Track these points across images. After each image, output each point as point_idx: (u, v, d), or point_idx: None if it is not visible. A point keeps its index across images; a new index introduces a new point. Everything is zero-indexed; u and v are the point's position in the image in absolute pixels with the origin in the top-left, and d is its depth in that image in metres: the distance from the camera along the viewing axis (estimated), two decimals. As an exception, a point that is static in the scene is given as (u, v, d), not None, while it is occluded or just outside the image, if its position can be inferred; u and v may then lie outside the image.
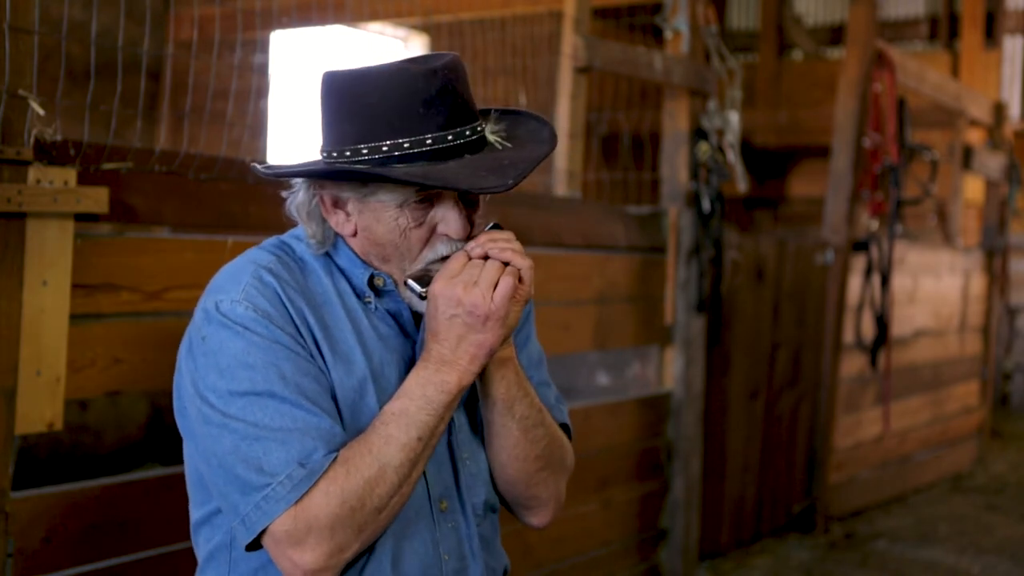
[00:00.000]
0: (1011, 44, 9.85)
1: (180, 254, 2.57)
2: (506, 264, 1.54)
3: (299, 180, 1.64)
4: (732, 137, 4.49)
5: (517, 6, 5.79)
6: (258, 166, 1.66)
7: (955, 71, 8.71)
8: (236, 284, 1.56)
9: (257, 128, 4.91)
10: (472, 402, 1.71)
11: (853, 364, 5.77)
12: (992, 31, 9.08)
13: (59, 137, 2.30)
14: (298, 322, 1.56)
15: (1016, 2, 9.87)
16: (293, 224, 1.68)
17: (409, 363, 1.63)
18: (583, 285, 3.98)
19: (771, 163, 9.53)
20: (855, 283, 5.68)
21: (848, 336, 5.66)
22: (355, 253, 1.64)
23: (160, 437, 3.84)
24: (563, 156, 4.04)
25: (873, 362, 5.82)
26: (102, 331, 2.42)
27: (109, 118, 2.52)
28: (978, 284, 7.36)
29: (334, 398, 1.56)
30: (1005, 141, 7.54)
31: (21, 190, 2.20)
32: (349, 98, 1.55)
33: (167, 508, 2.48)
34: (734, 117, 4.50)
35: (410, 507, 1.59)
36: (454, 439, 1.68)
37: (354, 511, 1.48)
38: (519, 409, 1.65)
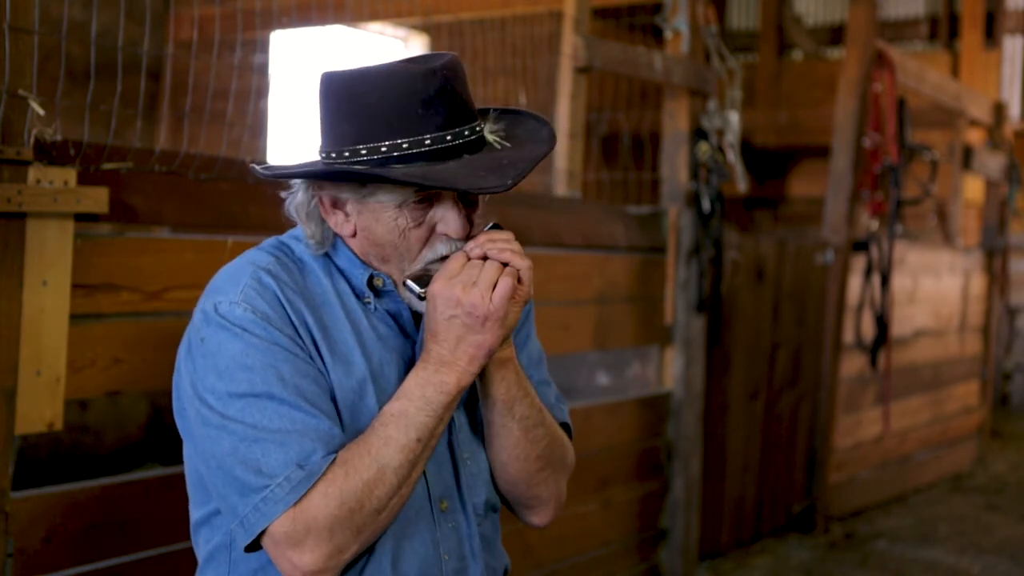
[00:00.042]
0: (1011, 44, 9.85)
1: (180, 254, 2.57)
2: (505, 264, 1.54)
3: (298, 181, 1.64)
4: (732, 137, 4.49)
5: (517, 6, 5.79)
6: (257, 167, 1.66)
7: (955, 71, 8.71)
8: (235, 286, 1.56)
9: (257, 128, 4.91)
10: (472, 402, 1.71)
11: (853, 364, 5.77)
12: (992, 31, 9.08)
13: (59, 137, 2.30)
14: (297, 323, 1.56)
15: (1016, 2, 9.86)
16: (293, 224, 1.68)
17: (409, 364, 1.63)
18: (583, 285, 3.98)
19: (771, 163, 9.53)
20: (855, 283, 5.68)
21: (848, 336, 5.66)
22: (354, 253, 1.64)
23: (160, 437, 3.84)
24: (563, 156, 4.04)
25: (873, 362, 5.82)
26: (102, 331, 2.42)
27: (109, 118, 2.52)
28: (978, 284, 7.36)
29: (333, 399, 1.56)
30: (1005, 141, 7.54)
31: (21, 190, 2.21)
32: (347, 98, 1.55)
33: (167, 508, 2.48)
34: (734, 117, 4.50)
35: (410, 507, 1.59)
36: (454, 439, 1.68)
37: (353, 512, 1.48)
38: (519, 409, 1.65)
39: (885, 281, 5.70)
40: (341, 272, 1.65)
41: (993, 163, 7.30)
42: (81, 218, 2.35)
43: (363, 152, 1.54)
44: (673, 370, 4.44)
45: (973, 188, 8.13)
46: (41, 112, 2.24)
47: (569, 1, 3.98)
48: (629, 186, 4.93)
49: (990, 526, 5.80)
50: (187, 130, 3.34)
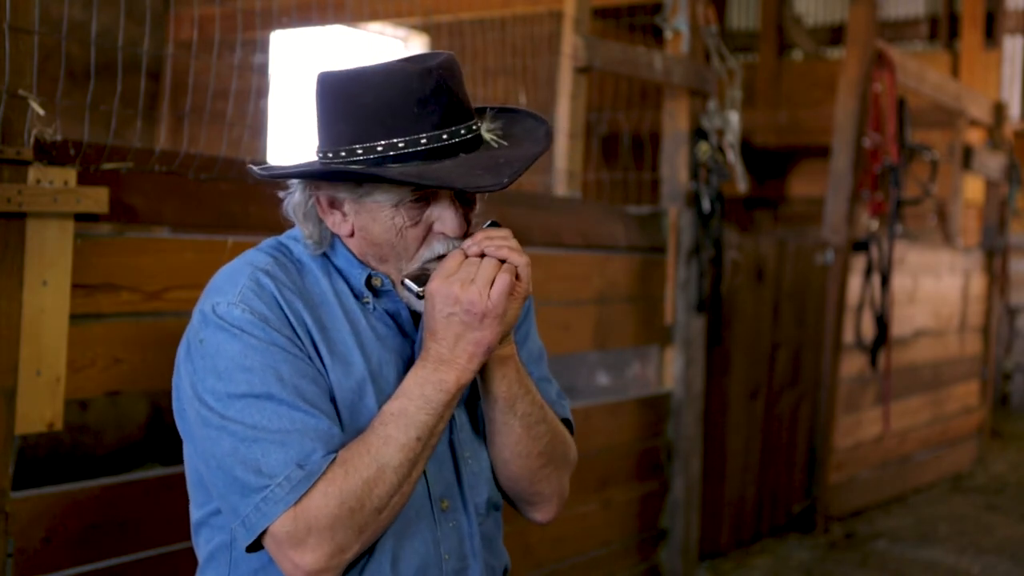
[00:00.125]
0: (1011, 44, 9.85)
1: (180, 254, 2.57)
2: (503, 261, 1.54)
3: (295, 181, 1.64)
4: (732, 137, 4.49)
5: (517, 6, 5.79)
6: (254, 167, 1.66)
7: (955, 71, 8.72)
8: (233, 287, 1.57)
9: (257, 128, 4.91)
10: (473, 400, 1.71)
11: (853, 364, 5.77)
12: (992, 31, 9.08)
13: (59, 137, 2.30)
14: (295, 324, 1.56)
15: (1016, 2, 9.86)
16: (292, 225, 1.68)
17: (408, 363, 1.63)
18: (583, 285, 3.98)
19: (771, 163, 9.53)
20: (855, 283, 5.68)
21: (848, 336, 5.66)
22: (352, 253, 1.64)
23: (160, 437, 3.84)
24: (563, 156, 4.04)
25: (873, 362, 5.82)
26: (102, 331, 2.42)
27: (109, 118, 2.52)
28: (978, 284, 7.36)
29: (333, 399, 1.56)
30: (1005, 141, 7.54)
31: (21, 190, 2.21)
32: (344, 98, 1.55)
33: (167, 508, 2.48)
34: (734, 117, 4.50)
35: (411, 507, 1.59)
36: (455, 438, 1.68)
37: (353, 512, 1.48)
38: (521, 407, 1.65)
39: (885, 281, 5.70)
40: (339, 272, 1.65)
41: (993, 163, 7.30)
42: (81, 218, 2.35)
43: (359, 152, 1.54)
44: (673, 370, 4.44)
45: (973, 188, 8.13)
46: (41, 112, 2.24)
47: (569, 1, 3.98)
48: (629, 186, 4.93)
49: (990, 526, 5.80)
50: (187, 130, 3.34)
